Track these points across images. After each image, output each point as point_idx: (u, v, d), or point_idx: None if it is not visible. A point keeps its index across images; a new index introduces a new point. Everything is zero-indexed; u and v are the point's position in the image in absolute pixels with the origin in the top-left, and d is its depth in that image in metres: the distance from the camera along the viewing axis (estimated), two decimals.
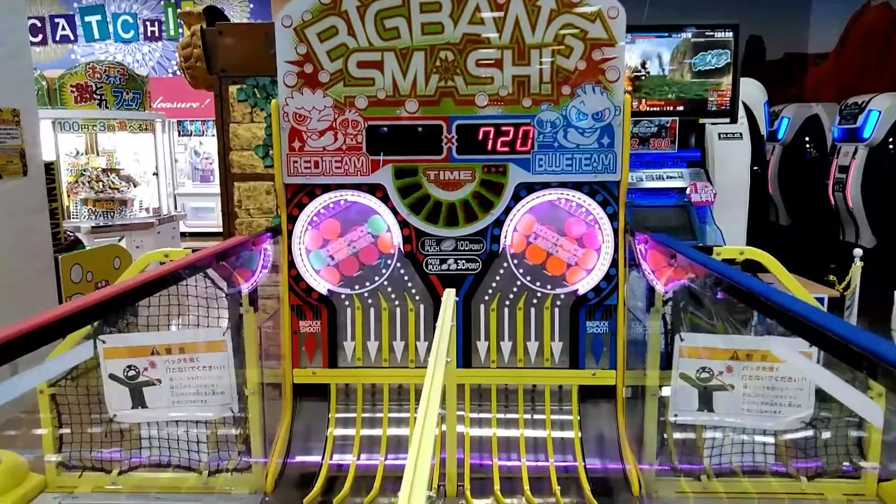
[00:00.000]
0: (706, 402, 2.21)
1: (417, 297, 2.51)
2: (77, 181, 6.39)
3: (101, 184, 6.42)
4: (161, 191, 7.05)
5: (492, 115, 2.35)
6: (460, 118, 2.37)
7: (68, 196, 6.29)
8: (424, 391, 1.31)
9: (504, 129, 2.35)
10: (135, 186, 6.77)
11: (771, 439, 2.23)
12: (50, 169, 4.14)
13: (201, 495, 2.20)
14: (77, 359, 1.85)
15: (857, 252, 4.32)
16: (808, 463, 2.20)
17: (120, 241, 5.98)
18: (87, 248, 4.64)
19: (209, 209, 8.51)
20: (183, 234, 7.80)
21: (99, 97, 6.25)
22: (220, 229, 3.73)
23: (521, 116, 2.35)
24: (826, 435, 2.24)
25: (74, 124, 6.20)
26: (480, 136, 2.37)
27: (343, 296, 2.51)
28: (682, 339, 2.18)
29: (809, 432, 2.22)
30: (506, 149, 2.37)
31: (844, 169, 6.08)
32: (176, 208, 7.75)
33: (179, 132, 8.93)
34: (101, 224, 6.29)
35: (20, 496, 2.12)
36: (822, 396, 2.15)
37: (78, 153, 6.64)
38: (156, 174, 7.03)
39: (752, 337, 2.21)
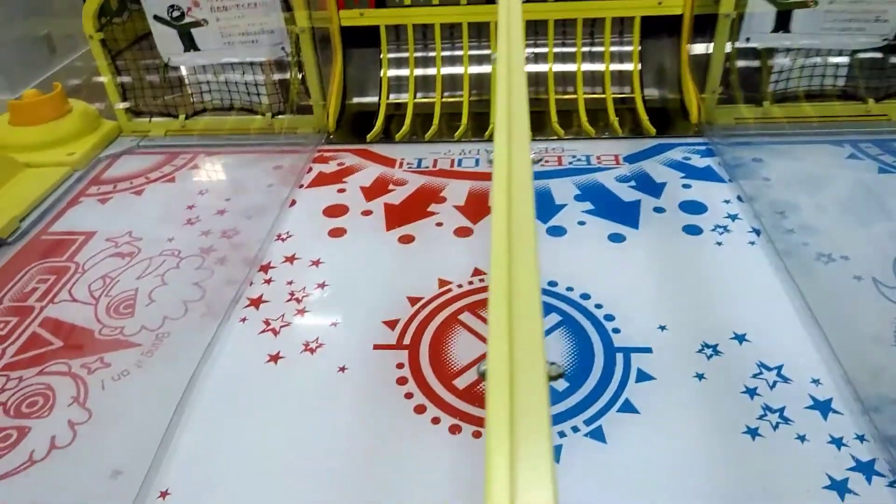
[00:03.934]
0: (783, 23, 2.07)
1: None
2: None
3: None
4: None
5: None
6: None
7: None
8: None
9: None
10: None
11: (845, 59, 2.14)
12: None
13: (268, 135, 2.29)
14: None
15: None
16: (879, 83, 2.14)
17: None
18: None
19: None
20: None
21: None
22: None
23: None
24: None
25: None
26: None
27: None
28: None
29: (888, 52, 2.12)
30: None
31: None
32: None
33: None
34: None
35: (100, 138, 2.23)
36: None
37: None
38: None
39: None
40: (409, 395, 1.26)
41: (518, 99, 0.83)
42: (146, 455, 1.14)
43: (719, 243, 1.63)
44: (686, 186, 1.88)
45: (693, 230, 1.69)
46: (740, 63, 2.23)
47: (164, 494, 1.09)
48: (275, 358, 1.36)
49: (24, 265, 1.69)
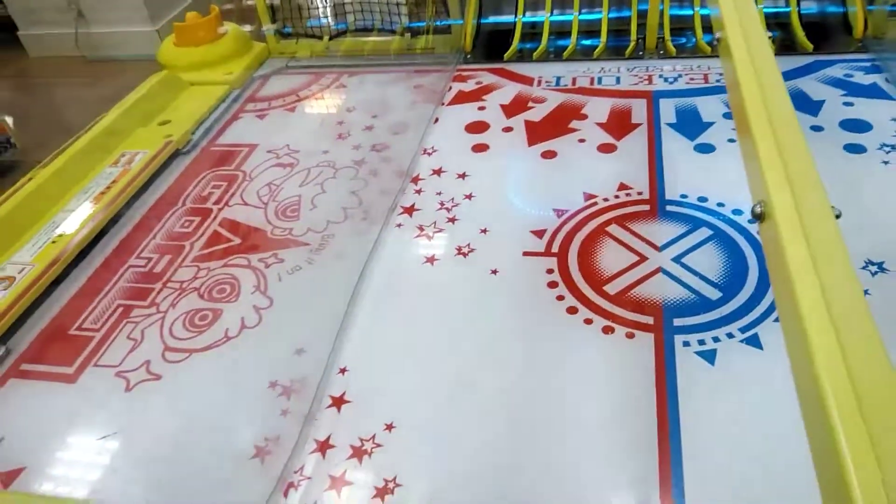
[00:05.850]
0: None
1: None
2: None
3: None
4: None
5: None
6: None
7: None
8: None
9: None
10: None
11: None
12: None
13: (407, 55, 2.34)
14: None
15: None
16: None
17: None
18: None
19: None
20: None
21: None
22: None
23: None
24: None
25: None
26: None
27: None
28: None
29: None
30: None
31: None
32: None
33: None
34: None
35: (252, 59, 2.37)
36: None
37: None
38: None
39: None
40: (560, 298, 1.31)
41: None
42: (327, 337, 1.27)
43: (886, 162, 1.55)
44: (847, 104, 1.77)
45: (856, 149, 1.60)
46: None
47: (343, 371, 1.22)
48: (431, 259, 1.45)
49: (198, 172, 1.86)
